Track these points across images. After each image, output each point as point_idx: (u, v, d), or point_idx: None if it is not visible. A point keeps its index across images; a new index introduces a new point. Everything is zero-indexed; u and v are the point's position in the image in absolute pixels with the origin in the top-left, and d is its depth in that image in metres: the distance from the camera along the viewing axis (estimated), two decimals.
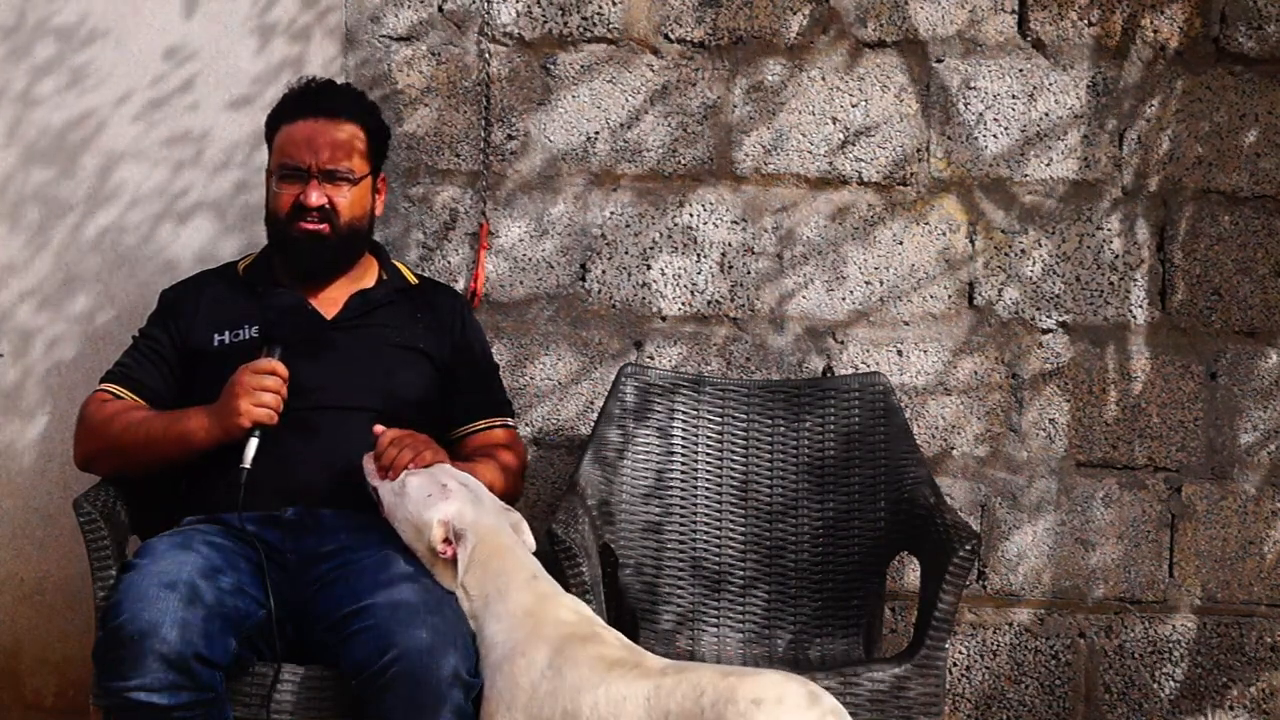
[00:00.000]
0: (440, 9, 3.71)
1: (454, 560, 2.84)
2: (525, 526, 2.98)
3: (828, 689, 2.77)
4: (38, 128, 3.71)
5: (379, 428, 3.02)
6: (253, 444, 3.02)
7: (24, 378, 3.73)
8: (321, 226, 3.20)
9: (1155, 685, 3.69)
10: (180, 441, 3.08)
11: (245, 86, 3.69)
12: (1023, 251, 3.69)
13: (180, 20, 3.70)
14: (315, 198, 3.18)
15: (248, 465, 3.00)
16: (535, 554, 2.95)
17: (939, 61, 3.68)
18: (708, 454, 3.54)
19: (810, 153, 3.70)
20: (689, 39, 3.69)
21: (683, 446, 3.53)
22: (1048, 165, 3.68)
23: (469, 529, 2.85)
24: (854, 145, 3.69)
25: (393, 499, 2.92)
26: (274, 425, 3.03)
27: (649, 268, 3.71)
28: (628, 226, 3.71)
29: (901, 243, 3.70)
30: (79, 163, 3.71)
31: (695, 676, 2.62)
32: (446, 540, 2.85)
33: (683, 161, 3.70)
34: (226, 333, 3.22)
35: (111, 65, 3.70)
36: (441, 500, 2.88)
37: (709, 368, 3.70)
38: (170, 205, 3.71)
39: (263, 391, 3.03)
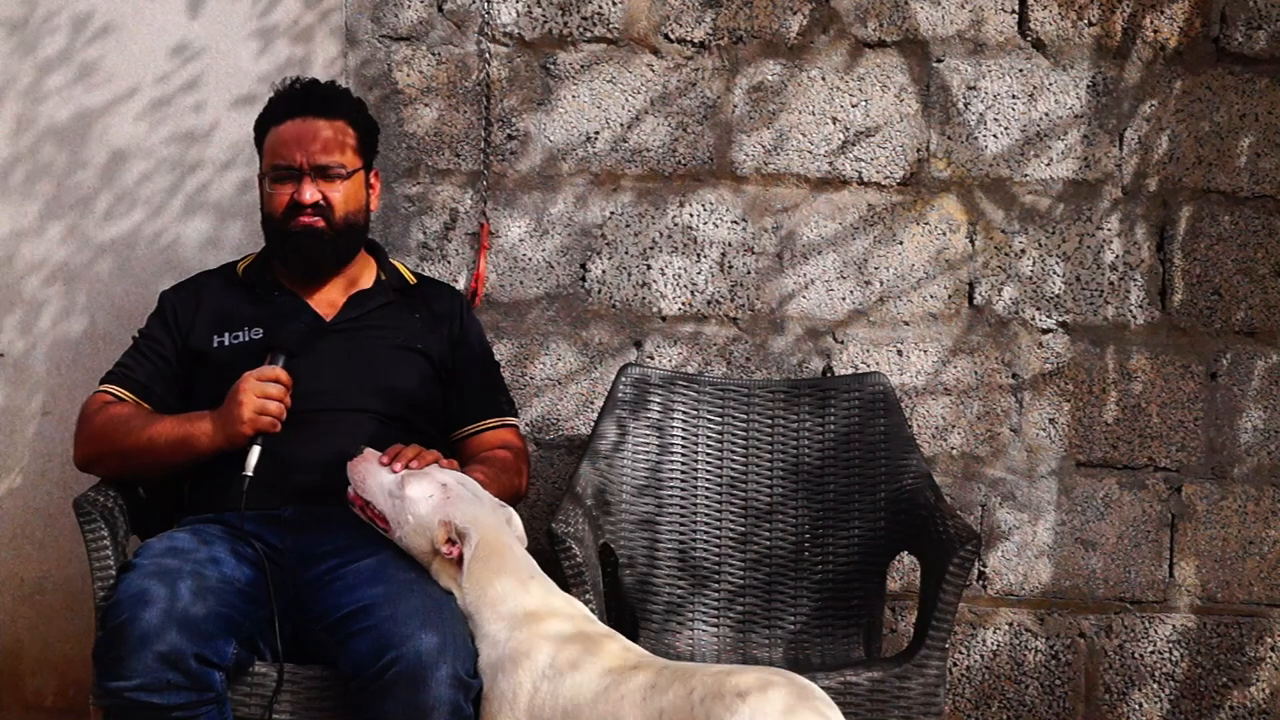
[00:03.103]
0: (440, 9, 3.71)
1: (458, 560, 2.84)
2: (517, 520, 2.98)
3: (827, 689, 2.78)
4: (43, 122, 3.71)
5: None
6: (255, 451, 3.02)
7: (24, 378, 3.73)
8: (316, 221, 3.20)
9: (1155, 685, 3.69)
10: (183, 447, 3.08)
11: (249, 86, 3.69)
12: (1022, 251, 3.69)
13: (185, 19, 3.69)
14: (309, 194, 3.19)
15: (250, 473, 3.00)
16: (535, 553, 2.95)
17: (939, 61, 3.68)
18: (707, 454, 3.54)
19: (810, 153, 3.70)
20: (689, 39, 3.69)
21: (682, 446, 3.53)
22: (1048, 165, 3.68)
23: (471, 527, 2.85)
24: (854, 145, 3.69)
25: (391, 501, 2.91)
26: (277, 433, 3.04)
27: (649, 267, 3.71)
28: (628, 226, 3.71)
29: (901, 242, 3.70)
30: (82, 159, 3.71)
31: (688, 674, 2.64)
32: (450, 540, 2.86)
33: (683, 161, 3.70)
34: (227, 334, 3.22)
35: (116, 62, 3.70)
36: (443, 500, 2.88)
37: (709, 367, 3.70)
38: (173, 203, 3.71)
39: (267, 399, 3.03)
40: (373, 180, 3.35)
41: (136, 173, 3.71)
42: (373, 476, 2.95)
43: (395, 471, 2.94)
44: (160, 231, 3.72)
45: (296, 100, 3.27)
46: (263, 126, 3.30)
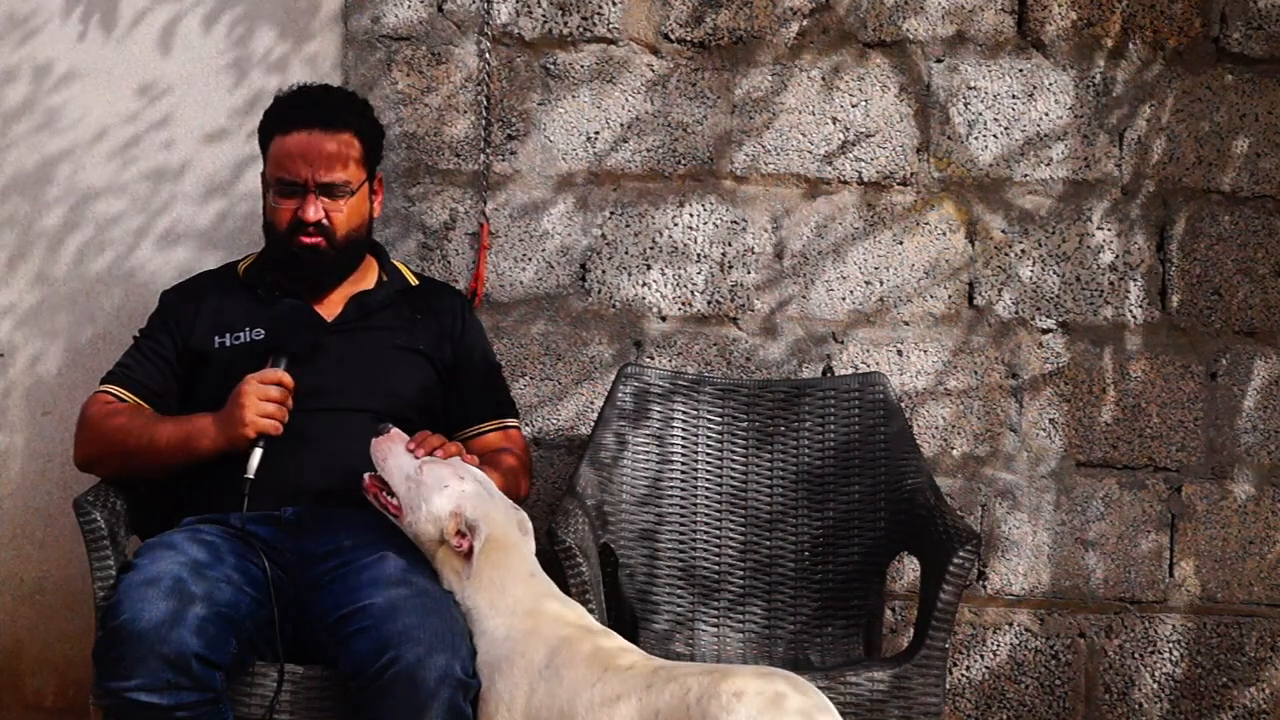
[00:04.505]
0: (440, 9, 3.71)
1: (465, 553, 2.85)
2: (530, 527, 2.99)
3: (827, 690, 2.78)
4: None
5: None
6: (256, 454, 3.02)
7: (22, 377, 3.73)
8: (318, 240, 3.19)
9: (1155, 685, 3.69)
10: (184, 449, 3.08)
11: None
12: (1022, 252, 3.69)
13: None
14: (313, 213, 3.17)
15: (251, 475, 3.00)
16: (535, 553, 2.96)
17: (938, 61, 3.68)
18: (707, 455, 3.54)
19: (809, 153, 3.70)
20: (688, 39, 3.69)
21: (682, 447, 3.53)
22: (1047, 165, 3.68)
23: (482, 522, 2.86)
24: (853, 146, 3.69)
25: (407, 485, 2.92)
26: (279, 436, 3.04)
27: (648, 268, 3.71)
28: (627, 227, 3.71)
29: (901, 243, 3.70)
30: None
31: (684, 675, 2.64)
32: (460, 533, 2.86)
33: (682, 161, 3.71)
34: (227, 335, 3.22)
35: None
36: (459, 492, 2.90)
37: (709, 368, 3.70)
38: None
39: (268, 402, 3.03)
40: (376, 187, 3.34)
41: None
42: (394, 457, 2.96)
43: (418, 457, 2.95)
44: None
45: (304, 110, 3.22)
46: (268, 131, 3.26)
